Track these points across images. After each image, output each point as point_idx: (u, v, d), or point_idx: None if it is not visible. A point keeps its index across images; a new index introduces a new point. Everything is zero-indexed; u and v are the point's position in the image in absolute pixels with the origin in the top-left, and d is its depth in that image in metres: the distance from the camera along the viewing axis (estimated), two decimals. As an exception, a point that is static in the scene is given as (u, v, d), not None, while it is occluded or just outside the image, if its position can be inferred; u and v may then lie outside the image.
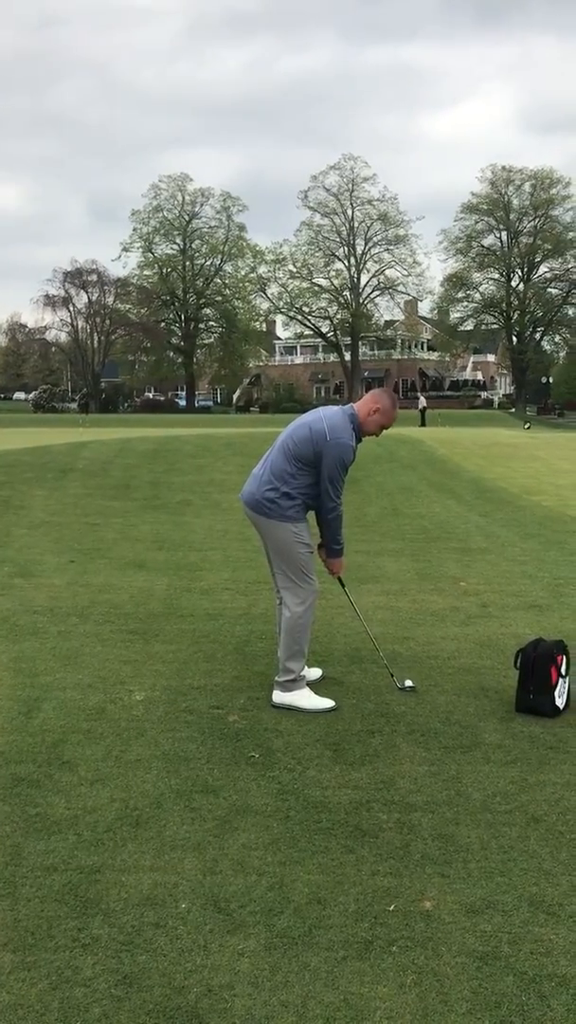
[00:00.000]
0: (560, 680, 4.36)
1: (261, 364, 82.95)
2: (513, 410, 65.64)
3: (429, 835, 3.26)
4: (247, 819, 3.38)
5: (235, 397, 79.49)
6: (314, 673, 4.90)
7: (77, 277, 66.93)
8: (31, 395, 70.50)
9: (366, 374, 79.14)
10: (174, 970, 2.51)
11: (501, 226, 69.02)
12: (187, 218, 71.61)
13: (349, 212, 70.51)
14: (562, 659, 4.39)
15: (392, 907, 2.81)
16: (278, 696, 4.51)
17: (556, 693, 4.33)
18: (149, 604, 6.60)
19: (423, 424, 41.75)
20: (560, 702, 4.36)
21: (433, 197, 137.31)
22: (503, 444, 20.42)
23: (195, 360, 74.07)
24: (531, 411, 66.35)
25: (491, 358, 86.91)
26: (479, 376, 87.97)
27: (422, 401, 49.13)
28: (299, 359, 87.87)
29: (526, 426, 43.38)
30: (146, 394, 78.84)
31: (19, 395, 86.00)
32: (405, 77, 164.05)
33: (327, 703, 4.48)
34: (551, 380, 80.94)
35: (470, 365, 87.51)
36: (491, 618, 6.20)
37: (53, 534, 9.63)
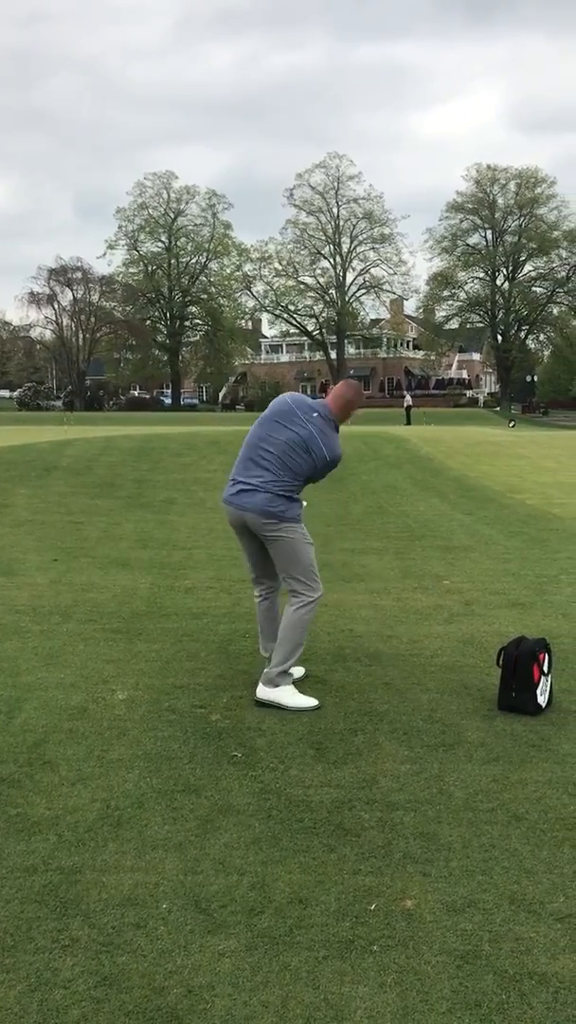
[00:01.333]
0: (542, 678, 4.37)
1: (247, 362, 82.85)
2: (498, 408, 65.84)
3: (411, 834, 3.25)
4: (229, 818, 3.37)
5: (221, 395, 79.38)
6: (297, 672, 4.89)
7: (62, 274, 66.64)
8: (15, 393, 70.07)
9: (352, 372, 79.17)
10: (154, 971, 2.50)
11: (486, 225, 69.25)
12: (172, 216, 71.45)
13: (335, 210, 70.63)
14: (544, 657, 4.40)
15: (373, 906, 2.81)
16: (263, 691, 4.50)
17: (538, 691, 4.34)
18: (132, 603, 6.58)
19: (408, 423, 41.78)
20: (542, 700, 4.37)
21: (423, 195, 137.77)
22: (487, 442, 20.48)
23: (180, 358, 73.93)
24: (516, 409, 66.59)
25: (476, 357, 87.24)
26: (464, 375, 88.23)
27: (408, 400, 49.24)
28: (285, 357, 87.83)
29: (511, 424, 43.56)
30: (131, 392, 78.60)
31: (3, 393, 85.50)
32: (396, 75, 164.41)
33: (311, 702, 4.48)
34: (536, 379, 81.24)
35: (455, 364, 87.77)
36: (474, 616, 6.21)
37: (36, 532, 9.58)
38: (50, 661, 5.19)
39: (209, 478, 13.75)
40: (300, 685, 4.77)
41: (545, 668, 4.40)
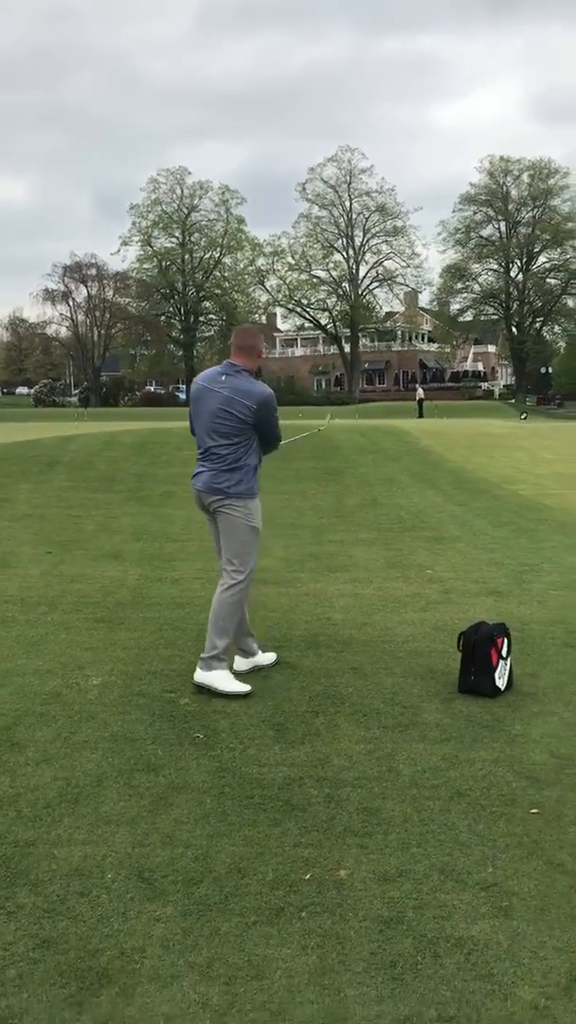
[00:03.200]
0: (501, 662, 4.47)
1: (261, 357, 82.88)
2: (513, 401, 65.59)
3: (355, 809, 3.38)
4: (183, 796, 3.50)
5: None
6: (268, 657, 5.02)
7: (76, 271, 67.08)
8: (32, 390, 70.63)
9: (366, 365, 79.14)
10: (91, 935, 2.64)
11: (500, 216, 68.90)
12: (186, 211, 71.56)
13: (347, 204, 70.49)
14: (503, 641, 4.51)
15: (308, 876, 2.93)
16: (199, 675, 4.61)
17: (496, 674, 4.44)
18: (118, 593, 6.73)
19: (420, 415, 41.75)
20: (501, 683, 4.48)
21: (444, 187, 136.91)
22: (489, 435, 20.51)
23: (195, 353, 74.11)
24: (531, 401, 66.30)
25: (492, 349, 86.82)
26: (480, 367, 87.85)
27: (420, 392, 49.15)
28: (299, 352, 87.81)
29: (523, 416, 43.43)
30: (147, 388, 78.92)
31: (22, 390, 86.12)
32: (418, 68, 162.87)
33: (243, 688, 4.53)
34: (551, 370, 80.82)
35: (471, 356, 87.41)
36: (451, 604, 6.31)
37: (34, 526, 9.76)
38: (31, 649, 5.34)
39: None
40: (270, 671, 4.90)
41: (504, 652, 4.50)
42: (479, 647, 4.43)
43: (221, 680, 4.56)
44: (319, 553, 8.22)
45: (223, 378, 4.59)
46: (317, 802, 3.43)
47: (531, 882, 2.88)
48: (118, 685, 4.73)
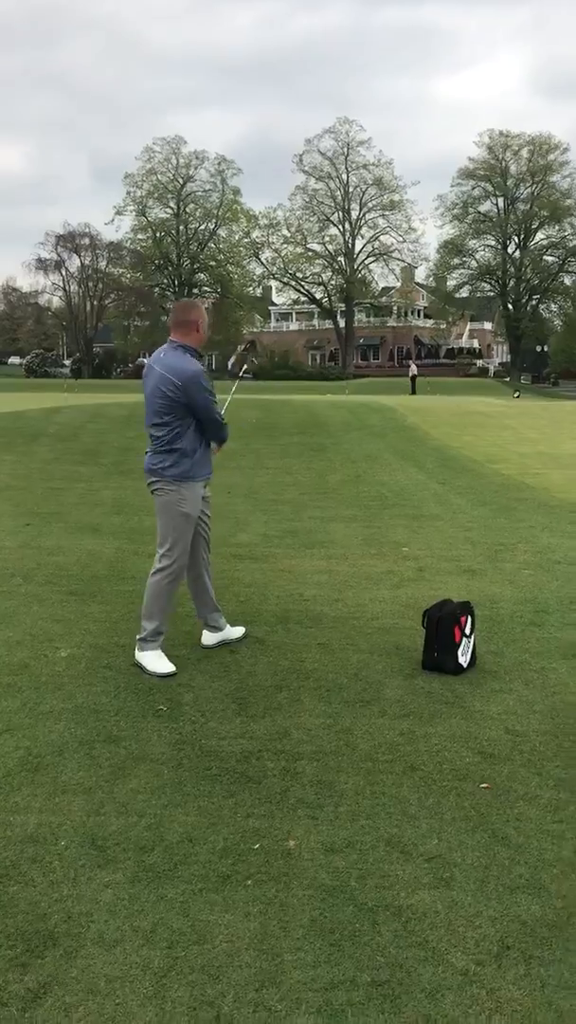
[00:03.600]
0: (464, 639, 4.53)
1: (255, 330, 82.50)
2: (508, 379, 65.53)
3: (309, 782, 3.44)
4: (141, 766, 3.56)
5: (230, 363, 79.15)
6: (237, 631, 5.07)
7: (69, 241, 66.49)
8: (24, 360, 70.21)
9: (361, 341, 78.85)
10: (41, 899, 2.70)
11: (498, 192, 68.41)
12: (181, 181, 70.82)
13: (344, 176, 69.94)
14: (466, 620, 4.56)
15: (257, 846, 3.00)
16: (136, 653, 4.65)
17: (459, 652, 4.50)
18: (94, 566, 6.77)
19: (413, 392, 41.67)
20: (464, 660, 4.54)
21: (442, 161, 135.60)
22: (476, 413, 20.54)
23: (189, 326, 73.54)
24: (526, 380, 66.25)
25: (488, 326, 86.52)
26: (475, 344, 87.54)
27: (413, 369, 49.04)
28: (294, 326, 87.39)
29: (516, 395, 43.39)
30: (140, 359, 78.49)
31: (14, 360, 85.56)
32: (419, 38, 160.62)
33: (166, 669, 4.52)
34: (548, 349, 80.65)
35: (466, 333, 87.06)
36: (424, 582, 6.37)
37: (15, 498, 9.78)
38: (1, 620, 5.38)
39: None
40: (238, 645, 4.96)
41: (467, 631, 4.56)
42: (442, 625, 4.49)
43: (148, 660, 4.58)
44: (298, 529, 8.26)
45: (162, 355, 4.54)
46: (273, 774, 3.50)
47: (474, 854, 2.95)
48: (86, 657, 4.78)
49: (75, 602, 5.80)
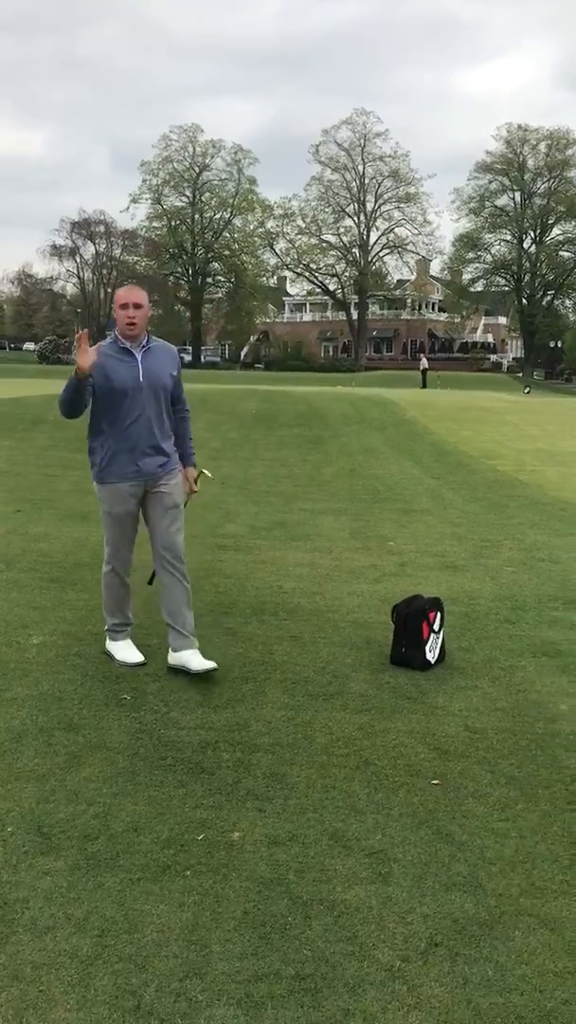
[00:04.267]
0: (432, 635, 4.53)
1: (268, 321, 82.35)
2: (521, 374, 65.22)
3: (262, 774, 3.45)
4: (97, 755, 3.57)
5: (243, 354, 79.11)
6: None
7: (84, 228, 66.56)
8: (37, 346, 70.37)
9: (374, 333, 78.60)
10: (-21, 885, 2.72)
11: (515, 187, 68.00)
12: (197, 170, 70.76)
13: (360, 168, 69.72)
14: (435, 616, 4.56)
15: (201, 837, 3.01)
16: (107, 642, 4.70)
17: (427, 648, 4.50)
18: (78, 554, 6.79)
19: (424, 386, 41.50)
20: (431, 656, 4.53)
21: (462, 153, 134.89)
22: (479, 407, 20.45)
23: (202, 314, 73.62)
24: (538, 375, 65.92)
25: (502, 321, 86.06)
26: (489, 338, 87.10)
27: (424, 362, 48.83)
28: (307, 317, 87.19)
29: (526, 390, 43.19)
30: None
31: (29, 345, 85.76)
32: (443, 29, 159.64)
33: (134, 659, 4.53)
34: (562, 344, 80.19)
35: (480, 327, 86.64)
36: (404, 576, 6.36)
37: (9, 484, 9.81)
38: (-22, 606, 5.41)
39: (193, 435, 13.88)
40: (213, 635, 4.96)
41: (435, 627, 4.55)
42: (411, 620, 4.48)
43: (116, 649, 4.63)
44: (287, 521, 8.26)
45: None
46: (227, 766, 3.51)
47: (415, 850, 2.95)
48: (58, 645, 4.80)
49: (54, 589, 5.82)
